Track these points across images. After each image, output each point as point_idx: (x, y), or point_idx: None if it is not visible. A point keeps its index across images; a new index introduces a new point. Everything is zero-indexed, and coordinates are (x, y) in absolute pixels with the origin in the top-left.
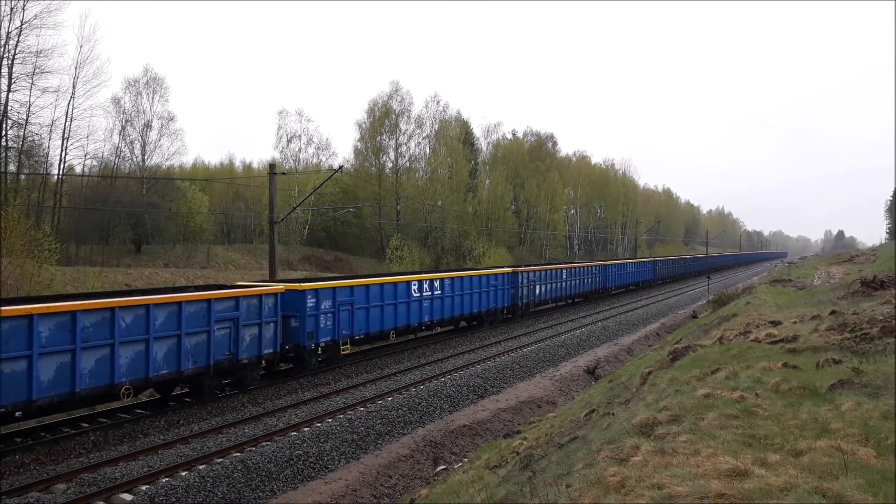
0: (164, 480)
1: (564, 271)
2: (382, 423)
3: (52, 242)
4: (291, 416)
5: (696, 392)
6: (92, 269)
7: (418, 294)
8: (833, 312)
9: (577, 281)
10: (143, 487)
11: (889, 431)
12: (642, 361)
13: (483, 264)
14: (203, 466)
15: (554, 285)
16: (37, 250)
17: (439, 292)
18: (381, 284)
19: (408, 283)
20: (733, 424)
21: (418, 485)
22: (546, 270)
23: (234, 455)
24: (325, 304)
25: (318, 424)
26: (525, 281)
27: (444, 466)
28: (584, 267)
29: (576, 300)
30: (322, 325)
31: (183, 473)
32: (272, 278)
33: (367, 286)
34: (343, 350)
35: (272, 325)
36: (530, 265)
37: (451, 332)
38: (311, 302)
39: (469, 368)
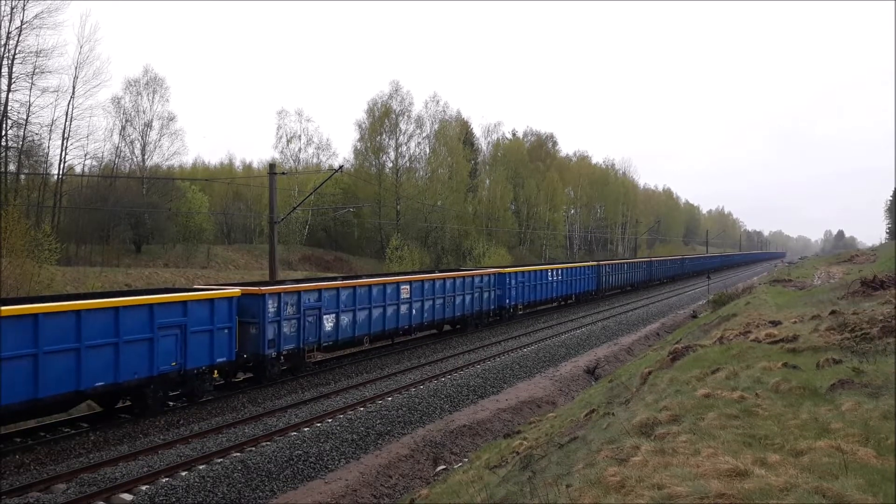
0: (164, 480)
1: (402, 287)
2: (382, 423)
3: (52, 242)
4: (291, 416)
5: (696, 392)
6: (92, 269)
7: None
8: (833, 312)
9: (439, 302)
10: (143, 487)
11: (889, 431)
12: (642, 361)
13: (483, 264)
14: (203, 466)
15: (374, 312)
16: (37, 250)
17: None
18: None
19: None
20: (733, 424)
21: (418, 485)
22: (350, 288)
23: (234, 455)
24: None
25: (318, 424)
26: (291, 308)
27: (444, 466)
28: (452, 279)
29: (445, 327)
30: None
31: (183, 473)
32: (272, 278)
33: None
34: None
35: None
36: (305, 282)
37: None
38: None
39: (469, 368)
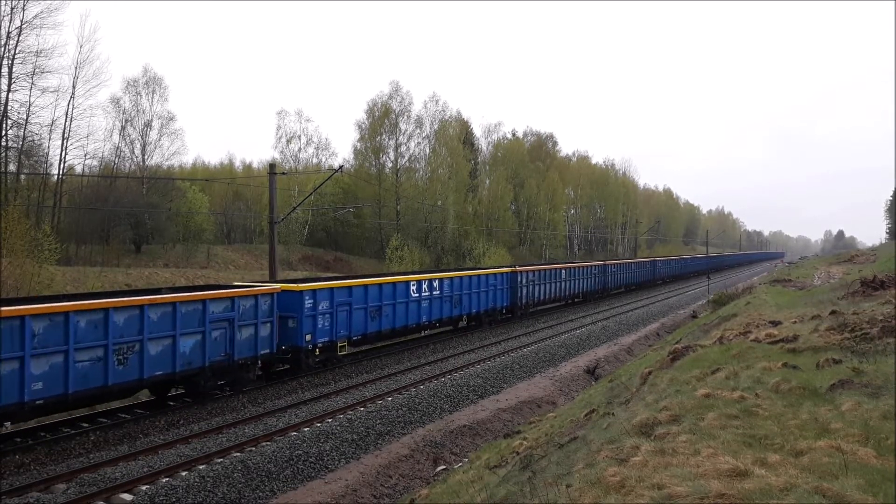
0: (164, 480)
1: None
2: (382, 423)
3: (52, 242)
4: (291, 416)
5: (696, 392)
6: (92, 269)
7: None
8: (833, 312)
9: (98, 355)
10: (143, 487)
11: (889, 431)
12: (642, 361)
13: (483, 264)
14: (203, 466)
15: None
16: (37, 250)
17: None
18: None
19: None
20: (733, 424)
21: (418, 485)
22: None
23: (234, 455)
24: None
25: (318, 424)
26: None
27: (444, 466)
28: (139, 308)
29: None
30: None
31: (183, 473)
32: (272, 278)
33: None
34: None
35: None
36: None
37: None
38: None
39: (469, 368)
